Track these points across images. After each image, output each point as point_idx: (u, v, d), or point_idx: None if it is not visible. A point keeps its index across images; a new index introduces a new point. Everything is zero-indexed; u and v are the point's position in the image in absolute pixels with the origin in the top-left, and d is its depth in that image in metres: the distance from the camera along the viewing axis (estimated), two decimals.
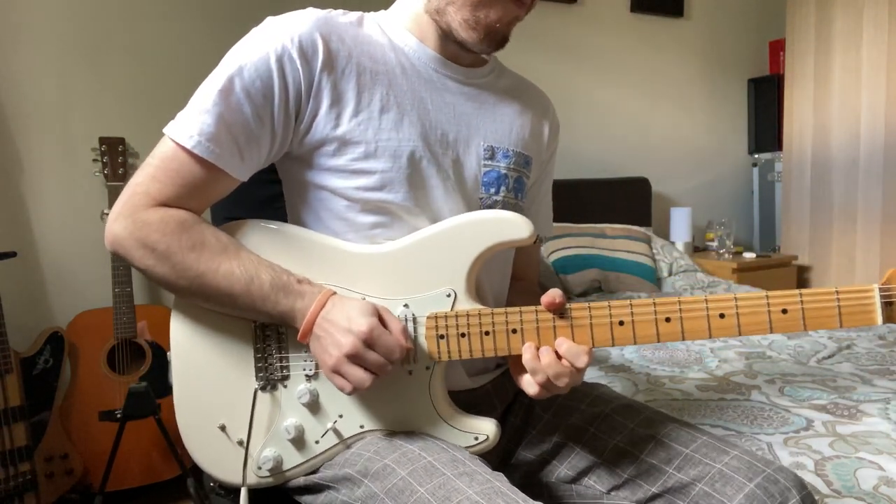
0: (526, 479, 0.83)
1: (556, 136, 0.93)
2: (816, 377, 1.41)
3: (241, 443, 0.72)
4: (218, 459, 0.73)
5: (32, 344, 1.66)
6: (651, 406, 0.83)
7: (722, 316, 0.65)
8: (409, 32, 0.78)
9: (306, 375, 0.72)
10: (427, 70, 0.78)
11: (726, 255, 2.70)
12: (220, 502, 0.88)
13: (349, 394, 0.67)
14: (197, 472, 1.56)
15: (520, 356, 0.68)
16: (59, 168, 1.80)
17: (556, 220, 0.99)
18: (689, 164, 2.98)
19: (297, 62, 0.70)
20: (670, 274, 2.39)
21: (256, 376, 0.73)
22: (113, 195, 1.75)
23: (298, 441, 0.72)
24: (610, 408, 0.81)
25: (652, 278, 2.31)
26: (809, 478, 0.97)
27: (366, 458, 0.69)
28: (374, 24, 0.78)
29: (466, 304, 0.70)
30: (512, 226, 0.70)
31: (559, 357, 0.66)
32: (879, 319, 0.62)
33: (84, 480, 1.67)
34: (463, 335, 0.69)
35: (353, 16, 0.78)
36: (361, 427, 0.72)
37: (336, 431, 0.72)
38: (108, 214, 1.52)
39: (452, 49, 0.78)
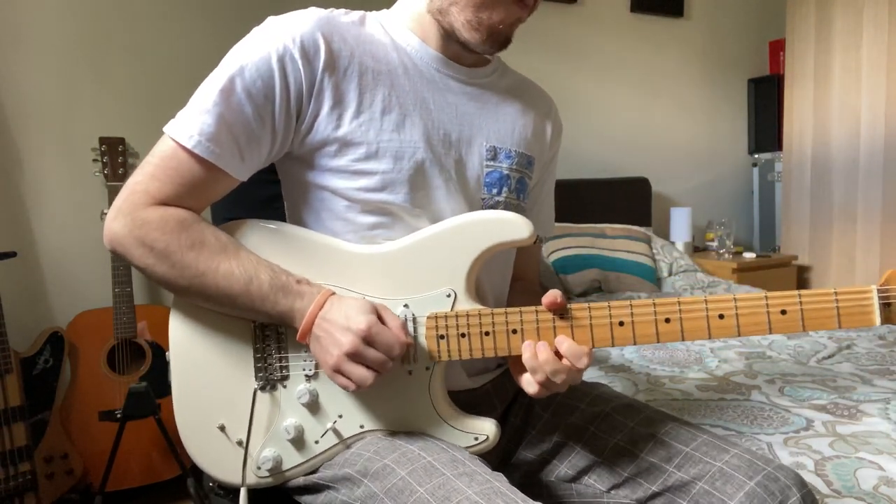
0: (526, 478, 0.83)
1: (559, 136, 0.93)
2: (816, 377, 1.41)
3: (240, 443, 0.72)
4: (217, 459, 0.73)
5: (32, 344, 1.66)
6: (651, 405, 0.83)
7: (721, 317, 0.65)
8: (412, 32, 0.78)
9: (306, 375, 0.72)
10: (429, 70, 0.78)
11: (726, 255, 2.70)
12: (220, 502, 0.88)
13: (352, 392, 0.67)
14: (197, 472, 1.55)
15: (520, 356, 0.68)
16: (59, 168, 1.80)
17: (556, 220, 0.99)
18: (689, 164, 2.98)
19: (299, 62, 0.70)
20: (670, 274, 2.39)
21: (256, 376, 0.73)
22: (113, 195, 1.75)
23: (298, 441, 0.72)
24: (610, 407, 0.81)
25: (652, 278, 2.31)
26: (809, 478, 0.97)
27: (365, 458, 0.69)
28: (376, 24, 0.78)
29: (466, 305, 0.70)
30: (512, 226, 0.70)
31: (558, 355, 0.66)
32: (878, 320, 0.63)
33: (84, 480, 1.67)
34: (463, 335, 0.69)
35: (356, 15, 0.78)
36: (361, 427, 0.72)
37: (336, 431, 0.72)
38: (107, 214, 1.52)
39: (455, 49, 0.78)
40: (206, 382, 0.73)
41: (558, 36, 2.58)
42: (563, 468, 0.80)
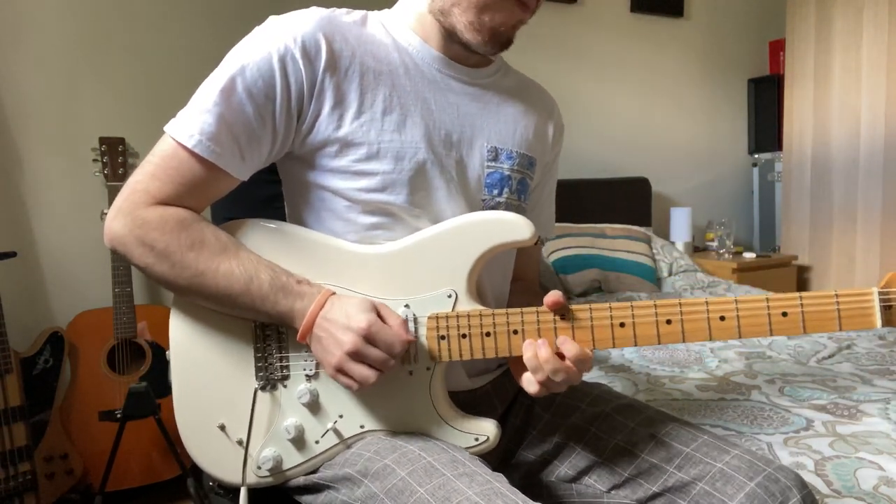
0: (526, 478, 0.82)
1: (561, 137, 0.93)
2: (816, 377, 1.41)
3: (240, 442, 0.72)
4: (217, 459, 0.73)
5: (32, 344, 1.66)
6: (651, 406, 0.83)
7: (722, 318, 0.65)
8: (413, 32, 0.78)
9: (306, 375, 0.72)
10: (431, 70, 0.78)
11: (726, 255, 2.70)
12: (220, 502, 0.88)
13: (356, 391, 0.66)
14: (197, 471, 1.56)
15: (520, 356, 0.68)
16: (59, 168, 1.80)
17: (556, 220, 0.99)
18: (689, 164, 2.98)
19: (300, 62, 0.69)
20: (670, 274, 2.39)
21: (256, 376, 0.73)
22: (113, 195, 1.74)
23: (298, 441, 0.72)
24: (610, 407, 0.81)
25: (652, 278, 2.31)
26: (809, 478, 0.97)
27: (366, 458, 0.69)
28: (377, 24, 0.78)
29: (467, 305, 0.70)
30: (513, 227, 0.70)
31: (559, 355, 0.66)
32: (878, 323, 0.63)
33: (84, 480, 1.67)
34: (464, 336, 0.69)
35: (357, 14, 0.78)
36: (362, 427, 0.72)
37: (336, 431, 0.72)
38: (107, 214, 1.51)
39: (456, 49, 0.78)
40: (207, 382, 0.73)
41: (558, 36, 2.58)
42: (563, 468, 0.80)
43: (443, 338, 0.70)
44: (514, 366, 0.72)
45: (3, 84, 1.72)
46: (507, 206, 0.81)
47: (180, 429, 0.74)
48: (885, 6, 2.48)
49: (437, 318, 0.70)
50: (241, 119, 0.69)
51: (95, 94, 1.83)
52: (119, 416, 1.54)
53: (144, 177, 0.69)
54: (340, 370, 0.66)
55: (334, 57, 0.71)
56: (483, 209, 0.79)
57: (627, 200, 2.64)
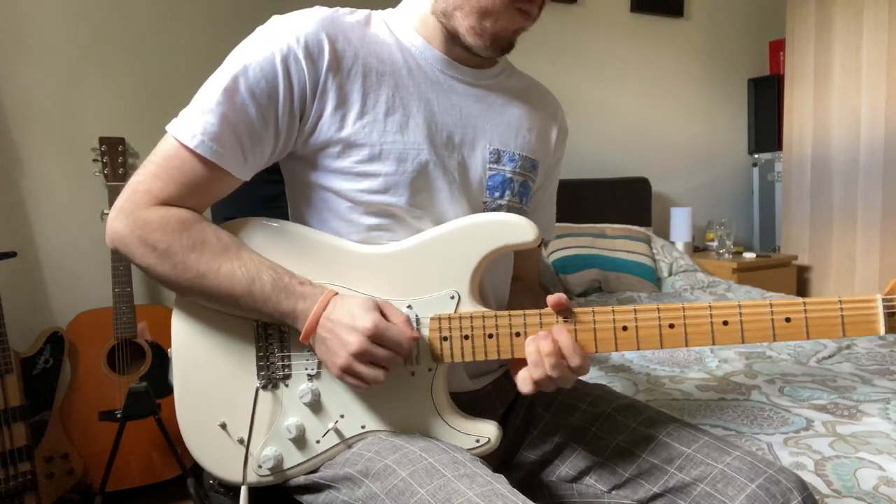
0: (527, 478, 0.83)
1: (564, 141, 0.93)
2: (816, 377, 1.41)
3: (241, 441, 0.72)
4: (218, 457, 0.73)
5: (32, 344, 1.66)
6: (652, 406, 0.84)
7: (725, 323, 0.65)
8: (417, 33, 0.78)
9: (308, 375, 0.72)
10: (434, 71, 0.78)
11: (726, 255, 2.70)
12: (220, 500, 0.88)
13: (364, 390, 0.66)
14: (197, 471, 1.56)
15: (521, 358, 0.68)
16: (59, 168, 1.80)
17: (556, 220, 0.99)
18: (689, 164, 2.98)
19: (303, 63, 0.69)
20: (670, 274, 2.39)
21: (258, 375, 0.73)
22: (113, 195, 1.75)
23: (299, 440, 0.72)
24: (611, 407, 0.81)
25: (652, 278, 2.31)
26: (809, 478, 0.97)
27: (367, 458, 0.69)
28: (381, 23, 0.78)
29: (470, 307, 0.70)
30: (517, 229, 0.70)
31: (561, 354, 0.66)
32: (882, 329, 0.63)
33: (84, 480, 1.67)
34: (466, 337, 0.69)
35: (360, 14, 0.77)
36: (363, 427, 0.72)
37: (337, 431, 0.72)
38: (108, 214, 1.52)
39: (459, 50, 0.77)
40: (208, 380, 0.73)
41: (558, 36, 2.58)
42: (564, 468, 0.80)
43: (445, 339, 0.70)
44: (513, 366, 0.72)
45: (3, 84, 1.72)
46: (509, 209, 0.81)
47: (181, 427, 0.74)
48: (885, 6, 2.48)
49: (440, 319, 0.70)
50: (243, 119, 0.69)
51: (95, 94, 1.83)
52: (119, 416, 1.54)
53: (146, 177, 0.69)
54: (347, 371, 0.66)
55: (337, 57, 0.71)
56: (484, 211, 0.79)
57: (627, 200, 2.64)
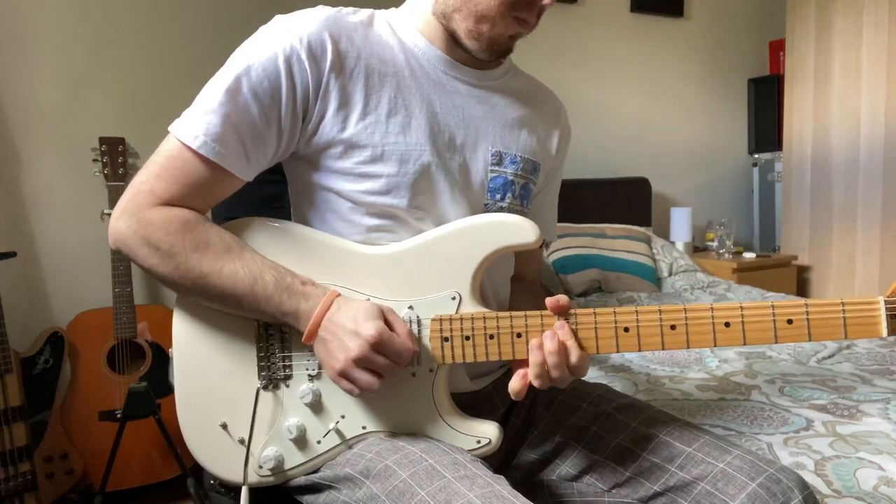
0: (527, 478, 0.83)
1: (567, 143, 0.93)
2: (816, 377, 1.41)
3: (242, 441, 0.72)
4: (219, 458, 0.73)
5: (32, 344, 1.66)
6: (653, 406, 0.84)
7: (727, 325, 0.65)
8: (420, 33, 0.77)
9: (309, 375, 0.72)
10: (436, 72, 0.77)
11: (726, 255, 2.70)
12: (221, 500, 0.88)
13: (357, 396, 0.66)
14: (197, 471, 1.56)
15: (524, 359, 0.68)
16: (59, 168, 1.80)
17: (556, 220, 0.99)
18: (689, 164, 2.98)
19: (306, 63, 0.69)
20: (670, 274, 2.40)
21: (259, 375, 0.73)
22: (113, 195, 1.75)
23: (300, 441, 0.72)
24: (612, 407, 0.81)
25: (652, 278, 2.31)
26: (809, 478, 0.97)
27: (367, 458, 0.69)
28: (384, 24, 0.78)
29: (471, 307, 0.70)
30: (518, 230, 0.70)
31: (562, 351, 0.66)
32: (884, 332, 0.63)
33: (84, 480, 1.67)
34: (467, 338, 0.69)
35: (364, 14, 0.77)
36: (364, 428, 0.72)
37: (338, 432, 0.72)
38: (108, 214, 1.52)
39: (461, 52, 0.77)
40: (209, 381, 0.73)
41: (558, 36, 2.58)
42: (564, 467, 0.80)
43: (446, 340, 0.70)
44: (516, 367, 0.72)
45: (3, 84, 1.72)
46: (510, 211, 0.81)
47: (182, 427, 0.74)
48: (885, 6, 2.48)
49: (441, 320, 0.70)
50: (246, 120, 0.69)
51: (95, 94, 1.83)
52: (119, 416, 1.54)
53: (149, 177, 0.69)
54: (344, 375, 0.66)
55: (340, 58, 0.71)
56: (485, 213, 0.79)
57: (627, 200, 2.64)
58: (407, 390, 0.71)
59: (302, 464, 0.73)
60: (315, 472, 0.73)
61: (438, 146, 0.75)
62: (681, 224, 2.70)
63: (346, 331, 0.65)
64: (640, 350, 0.67)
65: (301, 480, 0.74)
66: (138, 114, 1.87)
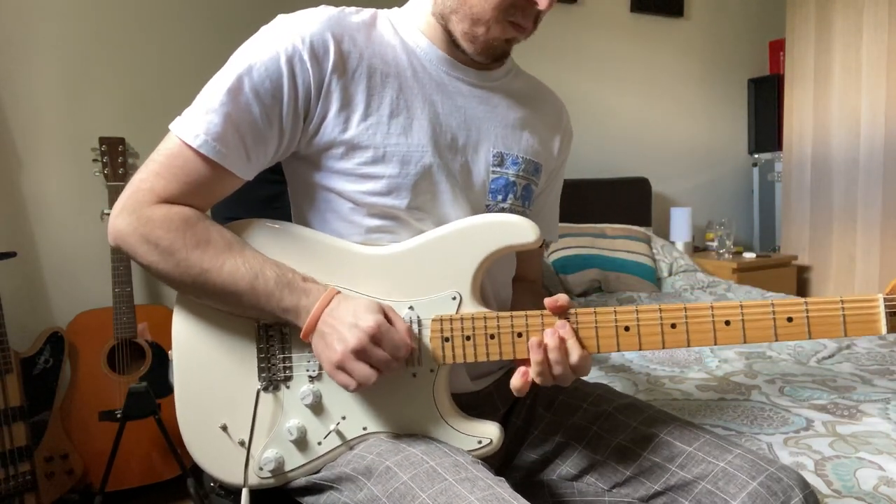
0: (527, 477, 0.83)
1: (569, 144, 0.93)
2: (816, 377, 1.41)
3: (242, 443, 0.72)
4: (219, 459, 0.73)
5: (32, 344, 1.66)
6: (653, 405, 0.84)
7: (727, 323, 0.65)
8: (422, 34, 0.77)
9: (309, 376, 0.72)
10: (438, 73, 0.77)
11: (726, 255, 2.70)
12: (221, 503, 0.88)
13: (353, 391, 0.66)
14: (197, 472, 1.56)
15: (525, 359, 0.68)
16: (60, 168, 1.80)
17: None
18: (689, 164, 2.98)
19: (308, 63, 0.69)
20: (670, 274, 2.40)
21: (259, 376, 0.73)
22: (113, 195, 1.75)
23: (301, 442, 0.72)
24: (612, 406, 0.81)
25: (652, 278, 2.31)
26: (809, 478, 0.97)
27: (368, 459, 0.69)
28: (387, 23, 0.78)
29: (472, 308, 0.70)
30: (518, 229, 0.70)
31: (563, 349, 0.67)
32: (884, 329, 0.63)
33: (84, 480, 1.67)
34: (468, 338, 0.69)
35: (366, 14, 0.77)
36: (364, 429, 0.72)
37: (339, 433, 0.72)
38: (108, 214, 1.52)
39: (462, 52, 0.77)
40: (209, 382, 0.73)
41: (558, 36, 2.58)
42: (564, 467, 0.80)
43: (447, 340, 0.70)
44: (519, 367, 0.72)
45: (3, 84, 1.72)
46: (511, 212, 0.80)
47: (182, 429, 0.74)
48: (885, 6, 2.48)
49: (442, 320, 0.70)
50: (247, 119, 0.69)
51: (95, 94, 1.83)
52: (119, 416, 1.54)
53: (149, 175, 0.69)
54: (341, 367, 0.65)
55: (342, 58, 0.71)
56: None
57: (627, 200, 2.64)
58: (408, 391, 0.71)
59: (302, 465, 0.73)
60: (316, 472, 0.73)
61: (440, 147, 0.75)
62: (681, 224, 2.70)
63: (346, 324, 0.65)
64: (640, 349, 0.67)
65: (302, 482, 0.74)
66: (138, 114, 1.87)
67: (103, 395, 1.69)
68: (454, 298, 0.70)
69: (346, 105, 0.71)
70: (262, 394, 0.72)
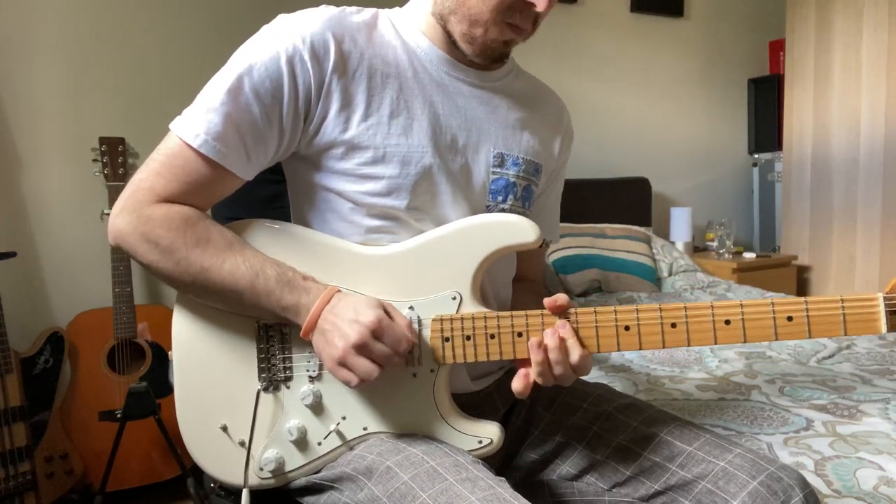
0: (527, 477, 0.83)
1: (570, 145, 0.93)
2: (816, 377, 1.41)
3: (242, 443, 0.72)
4: (219, 460, 0.73)
5: (32, 344, 1.66)
6: (653, 405, 0.84)
7: (727, 322, 0.65)
8: (422, 34, 0.77)
9: (310, 377, 0.72)
10: (439, 73, 0.77)
11: (726, 255, 2.70)
12: (221, 503, 0.88)
13: (354, 387, 0.66)
14: (197, 472, 1.55)
15: (526, 359, 0.68)
16: (60, 168, 1.80)
17: None
18: (689, 164, 2.98)
19: (308, 63, 0.69)
20: (670, 274, 2.40)
21: (259, 377, 0.73)
22: (113, 195, 1.75)
23: (301, 442, 0.72)
24: (612, 406, 0.81)
25: (652, 278, 2.31)
26: (809, 478, 0.97)
27: (369, 459, 0.69)
28: (387, 23, 0.78)
29: (472, 307, 0.70)
30: (518, 229, 0.70)
31: (564, 349, 0.67)
32: (884, 328, 0.63)
33: (84, 480, 1.67)
34: (468, 338, 0.69)
35: (367, 14, 0.77)
36: (365, 429, 0.72)
37: (339, 433, 0.72)
38: (108, 214, 1.52)
39: (462, 53, 0.77)
40: (209, 382, 0.73)
41: (558, 36, 2.58)
42: (564, 467, 0.80)
43: (447, 340, 0.70)
44: (520, 366, 0.72)
45: (3, 84, 1.72)
46: (511, 213, 0.80)
47: (182, 429, 0.74)
48: (885, 6, 2.48)
49: (442, 320, 0.70)
50: (247, 119, 0.69)
51: (95, 94, 1.83)
52: (119, 416, 1.54)
53: (149, 174, 0.69)
54: (343, 363, 0.65)
55: (343, 58, 0.71)
56: None
57: (627, 200, 2.64)
58: (408, 391, 0.71)
59: (303, 465, 0.73)
60: (316, 473, 0.73)
61: (440, 148, 0.75)
62: (681, 224, 2.70)
63: (346, 319, 0.65)
64: (640, 348, 0.67)
65: (302, 482, 0.74)
66: (138, 114, 1.87)
67: (103, 395, 1.69)
68: (454, 298, 0.70)
69: (347, 105, 0.71)
70: (262, 394, 0.72)
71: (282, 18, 0.72)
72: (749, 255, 2.71)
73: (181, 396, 0.74)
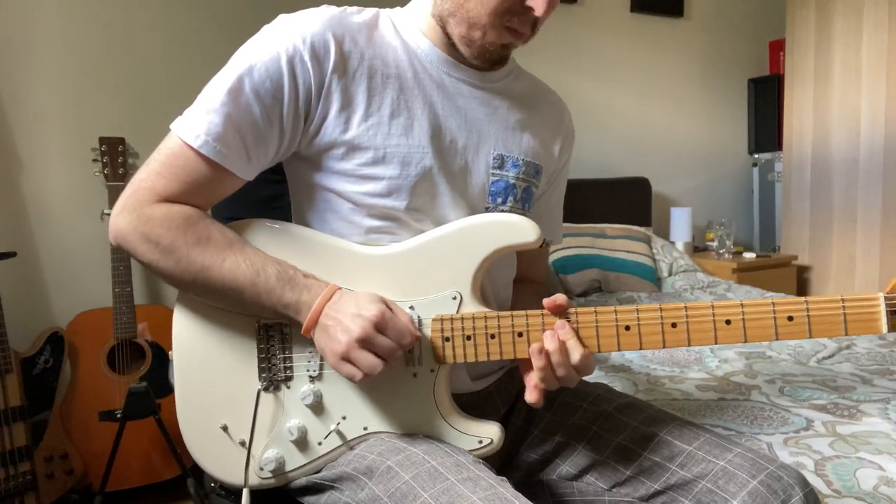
0: (527, 477, 0.83)
1: (570, 146, 0.93)
2: (816, 377, 1.41)
3: (243, 443, 0.72)
4: (219, 460, 0.73)
5: (32, 344, 1.66)
6: (653, 405, 0.84)
7: (728, 322, 0.65)
8: (423, 34, 0.77)
9: (310, 376, 0.72)
10: (439, 74, 0.77)
11: (726, 255, 2.70)
12: (221, 503, 0.88)
13: (358, 382, 0.66)
14: (197, 472, 1.56)
15: (528, 359, 0.68)
16: (60, 168, 1.80)
17: None
18: (689, 164, 2.98)
19: (309, 64, 0.69)
20: (670, 274, 2.40)
21: (259, 377, 0.73)
22: (113, 195, 1.75)
23: (301, 442, 0.72)
24: (612, 406, 0.81)
25: (652, 278, 2.31)
26: (809, 478, 0.97)
27: (369, 459, 0.69)
28: (388, 24, 0.78)
29: (472, 307, 0.70)
30: (518, 229, 0.70)
31: (564, 350, 0.67)
32: (884, 328, 0.63)
33: (84, 480, 1.67)
34: (468, 338, 0.69)
35: (368, 14, 0.77)
36: (365, 429, 0.72)
37: (339, 433, 0.72)
38: (108, 214, 1.52)
39: (462, 54, 0.77)
40: (210, 382, 0.73)
41: (558, 36, 2.58)
42: (564, 467, 0.80)
43: (447, 339, 0.70)
44: (523, 367, 0.72)
45: (4, 84, 1.72)
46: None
47: (182, 429, 0.74)
48: (885, 6, 2.48)
49: (442, 319, 0.70)
50: (248, 119, 0.69)
51: (95, 94, 1.83)
52: (119, 416, 1.54)
53: (150, 174, 0.69)
54: (346, 358, 0.65)
55: (343, 58, 0.71)
56: None
57: (627, 200, 2.64)
58: (408, 391, 0.71)
59: (303, 465, 0.73)
60: (316, 472, 0.73)
61: (440, 149, 0.75)
62: (681, 224, 2.70)
63: (348, 314, 0.65)
64: (641, 348, 0.67)
65: (302, 481, 0.74)
66: (138, 114, 1.87)
67: (103, 395, 1.69)
68: (454, 298, 0.70)
69: (347, 105, 0.71)
70: (262, 394, 0.72)
71: (282, 18, 0.72)
72: (749, 255, 2.71)
73: (181, 396, 0.74)
